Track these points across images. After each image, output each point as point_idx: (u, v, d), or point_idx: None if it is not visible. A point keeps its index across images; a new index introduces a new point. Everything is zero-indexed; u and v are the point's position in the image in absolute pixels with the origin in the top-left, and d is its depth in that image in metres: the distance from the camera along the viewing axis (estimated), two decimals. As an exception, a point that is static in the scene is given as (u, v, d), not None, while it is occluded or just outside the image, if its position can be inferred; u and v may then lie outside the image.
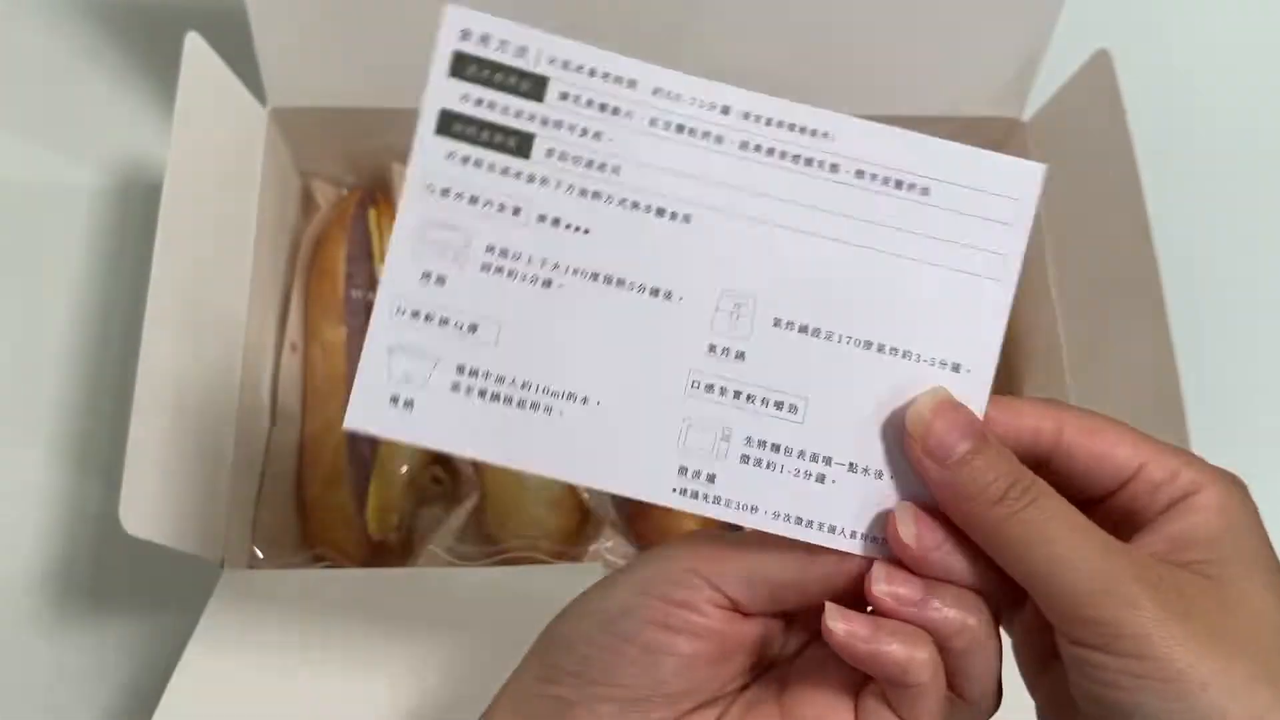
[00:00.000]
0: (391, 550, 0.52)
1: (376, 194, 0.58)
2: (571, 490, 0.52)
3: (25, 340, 0.58)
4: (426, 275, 0.26)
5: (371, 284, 0.55)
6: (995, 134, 0.56)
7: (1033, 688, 0.28)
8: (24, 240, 0.61)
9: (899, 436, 0.26)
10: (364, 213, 0.57)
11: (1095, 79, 0.49)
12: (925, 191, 0.26)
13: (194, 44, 0.47)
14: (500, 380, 0.26)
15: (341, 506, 0.50)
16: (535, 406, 0.26)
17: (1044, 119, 0.54)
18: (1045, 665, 0.27)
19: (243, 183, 0.51)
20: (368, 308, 0.55)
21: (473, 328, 0.26)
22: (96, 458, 0.55)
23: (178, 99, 0.45)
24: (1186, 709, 0.22)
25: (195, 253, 0.46)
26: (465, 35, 0.26)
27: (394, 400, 0.26)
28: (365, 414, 0.26)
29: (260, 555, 0.49)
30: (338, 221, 0.57)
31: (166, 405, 0.42)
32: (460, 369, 0.26)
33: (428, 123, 0.26)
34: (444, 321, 0.26)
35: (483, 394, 0.26)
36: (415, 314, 0.26)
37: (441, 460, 0.54)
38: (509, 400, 0.26)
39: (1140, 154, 0.46)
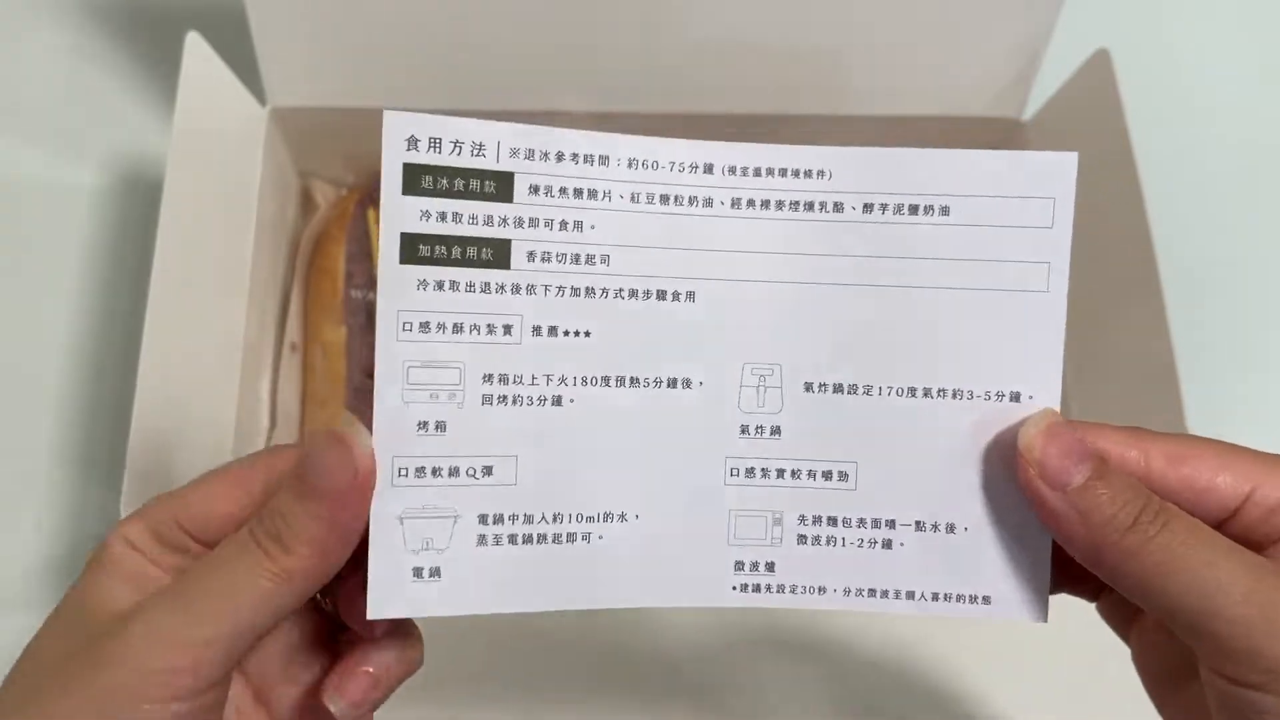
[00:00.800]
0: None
1: (376, 194, 0.58)
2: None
3: (25, 339, 0.58)
4: (423, 425, 0.23)
5: (371, 283, 0.55)
6: (995, 134, 0.56)
7: (1161, 707, 0.25)
8: (25, 239, 0.61)
9: (972, 483, 0.24)
10: (363, 212, 0.57)
11: (1095, 78, 0.49)
12: (945, 211, 0.24)
13: (194, 44, 0.47)
14: (529, 519, 0.23)
15: None
16: (572, 538, 0.23)
17: (1044, 119, 0.54)
18: (1178, 684, 0.24)
19: (242, 182, 0.51)
20: (368, 307, 0.55)
21: (487, 469, 0.23)
22: (97, 457, 0.55)
23: (178, 98, 0.46)
24: None
25: (195, 252, 0.46)
26: (413, 143, 0.23)
27: (418, 573, 0.23)
28: (388, 596, 0.23)
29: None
30: (337, 221, 0.56)
31: (167, 405, 0.42)
32: (483, 518, 0.23)
33: (389, 251, 0.23)
34: (454, 471, 0.23)
35: (513, 539, 0.23)
36: (420, 471, 0.23)
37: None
38: (543, 538, 0.23)
39: (1139, 153, 0.46)
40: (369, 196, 0.58)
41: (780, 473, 0.24)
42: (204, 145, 0.48)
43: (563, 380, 0.24)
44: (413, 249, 0.23)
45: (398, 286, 0.23)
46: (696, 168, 0.24)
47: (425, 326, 0.23)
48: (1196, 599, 0.20)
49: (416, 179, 0.23)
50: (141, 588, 0.23)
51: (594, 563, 0.24)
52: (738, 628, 0.43)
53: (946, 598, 0.24)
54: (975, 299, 0.24)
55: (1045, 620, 0.24)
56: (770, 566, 0.24)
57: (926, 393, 0.24)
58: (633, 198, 0.24)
